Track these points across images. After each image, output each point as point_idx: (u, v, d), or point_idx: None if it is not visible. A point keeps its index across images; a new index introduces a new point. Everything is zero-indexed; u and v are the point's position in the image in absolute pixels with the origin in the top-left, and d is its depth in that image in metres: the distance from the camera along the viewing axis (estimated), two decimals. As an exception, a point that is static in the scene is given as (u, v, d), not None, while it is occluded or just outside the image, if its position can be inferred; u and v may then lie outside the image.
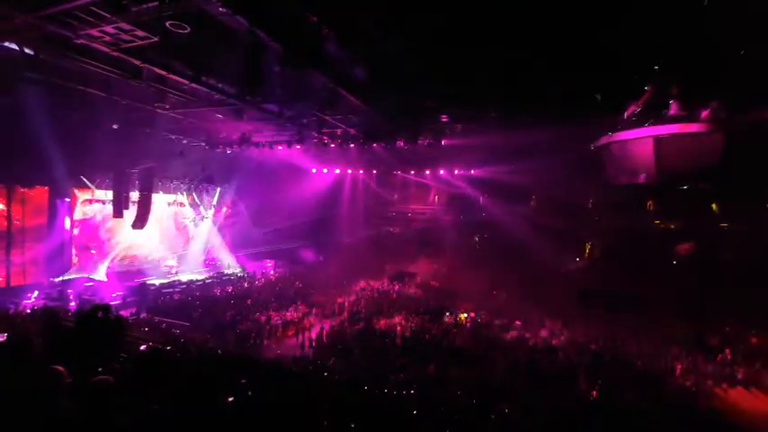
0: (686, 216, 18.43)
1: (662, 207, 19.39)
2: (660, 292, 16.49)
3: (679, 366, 11.45)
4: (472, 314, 16.49)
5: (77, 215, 18.75)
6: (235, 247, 26.88)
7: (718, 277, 15.79)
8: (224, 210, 26.94)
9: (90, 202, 19.23)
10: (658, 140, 11.12)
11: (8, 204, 16.07)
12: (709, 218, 17.88)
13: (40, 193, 17.15)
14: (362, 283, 21.72)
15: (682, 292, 16.02)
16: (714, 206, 17.92)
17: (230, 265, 25.94)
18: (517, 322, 15.53)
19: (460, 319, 16.14)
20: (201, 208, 25.33)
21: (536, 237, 20.88)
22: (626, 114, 11.56)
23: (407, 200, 28.82)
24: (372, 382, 8.48)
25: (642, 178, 12.18)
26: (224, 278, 22.92)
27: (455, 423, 6.30)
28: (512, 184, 22.20)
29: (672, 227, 19.66)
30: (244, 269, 25.23)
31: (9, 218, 16.05)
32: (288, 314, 16.02)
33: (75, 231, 18.65)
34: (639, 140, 11.58)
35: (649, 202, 19.70)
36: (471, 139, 16.75)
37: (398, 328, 14.51)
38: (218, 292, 19.42)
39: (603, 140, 12.89)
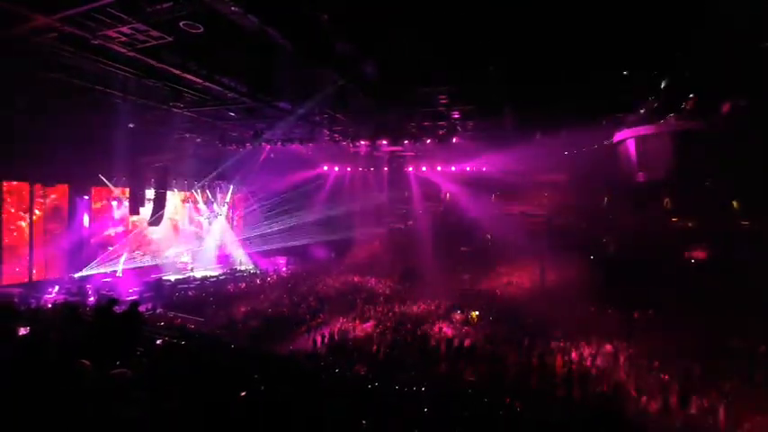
0: (705, 214, 17.95)
1: (679, 204, 18.92)
2: (677, 292, 16.12)
3: (697, 369, 11.14)
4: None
5: (96, 212, 19.22)
6: (248, 243, 27.20)
7: (737, 277, 15.35)
8: (239, 211, 27.32)
9: (108, 199, 19.72)
10: (676, 136, 10.89)
11: (30, 202, 16.56)
12: (728, 216, 17.38)
13: (60, 191, 17.64)
14: (373, 281, 21.79)
15: (700, 292, 15.62)
16: (735, 203, 17.41)
17: (242, 261, 26.27)
18: (529, 320, 15.39)
19: (472, 317, 16.05)
20: (215, 205, 25.68)
21: (548, 236, 20.62)
22: (642, 110, 11.32)
23: (420, 197, 28.64)
24: (384, 380, 8.51)
25: (659, 175, 11.94)
26: (237, 275, 23.25)
27: (466, 421, 6.28)
28: (524, 181, 21.96)
29: (689, 225, 19.17)
30: (257, 266, 25.53)
31: (31, 215, 16.55)
32: (300, 310, 16.18)
33: (94, 228, 19.12)
34: (656, 136, 11.36)
35: (666, 200, 19.25)
36: (482, 136, 16.63)
37: (409, 326, 14.53)
38: (231, 288, 19.71)
39: (619, 136, 12.66)
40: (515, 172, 21.16)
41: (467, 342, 12.77)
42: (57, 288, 16.48)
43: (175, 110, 13.19)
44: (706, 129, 10.48)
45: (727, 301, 14.19)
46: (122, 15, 7.15)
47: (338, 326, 14.66)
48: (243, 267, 25.34)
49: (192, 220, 24.82)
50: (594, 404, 9.11)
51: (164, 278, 20.34)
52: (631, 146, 12.44)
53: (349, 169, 26.20)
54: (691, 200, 17.45)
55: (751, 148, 10.40)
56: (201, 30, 7.72)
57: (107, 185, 19.29)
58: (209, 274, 22.86)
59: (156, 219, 19.63)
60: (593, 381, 10.41)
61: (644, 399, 9.25)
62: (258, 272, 24.16)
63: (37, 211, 16.68)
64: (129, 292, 17.23)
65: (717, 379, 10.14)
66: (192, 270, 23.22)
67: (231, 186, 25.96)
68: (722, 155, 10.79)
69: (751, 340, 12.35)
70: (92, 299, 15.95)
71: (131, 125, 15.16)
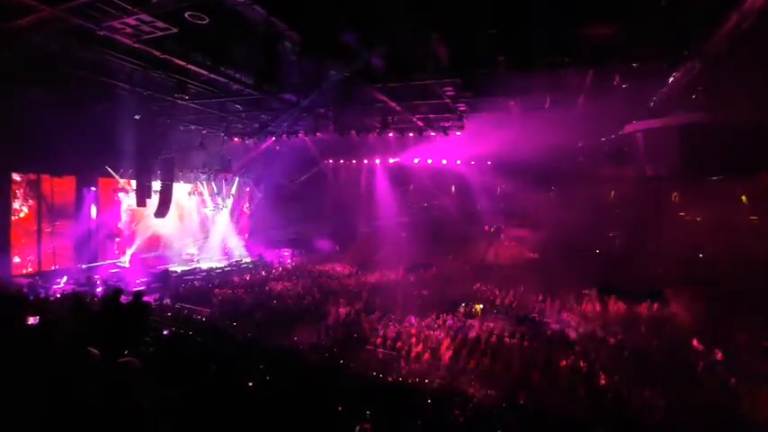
0: (713, 209, 17.75)
1: (688, 199, 18.72)
2: (683, 287, 16.00)
3: (702, 363, 11.11)
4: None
5: (103, 204, 19.38)
6: (252, 236, 27.30)
7: (745, 273, 15.19)
8: (244, 204, 27.39)
9: (116, 191, 19.88)
10: (685, 129, 10.73)
11: (38, 193, 16.72)
12: (737, 211, 17.16)
13: (67, 183, 17.77)
14: (378, 274, 21.82)
15: (706, 287, 15.50)
16: (744, 198, 17.19)
17: (242, 255, 26.30)
18: (533, 315, 15.38)
19: (476, 310, 16.04)
20: (220, 198, 25.78)
21: (555, 228, 20.49)
22: (652, 103, 11.15)
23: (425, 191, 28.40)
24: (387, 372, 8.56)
25: (668, 168, 11.80)
26: (242, 266, 23.40)
27: (469, 412, 6.32)
28: (530, 173, 21.77)
29: (698, 219, 18.99)
30: (262, 257, 25.65)
31: (39, 206, 16.73)
32: (305, 302, 16.26)
33: (101, 219, 19.29)
34: (666, 129, 11.20)
35: (674, 194, 19.04)
36: (489, 129, 16.50)
37: (412, 318, 14.56)
38: (236, 279, 19.85)
39: (629, 129, 12.51)
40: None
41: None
42: (65, 278, 16.69)
43: (181, 102, 13.19)
44: (716, 122, 10.31)
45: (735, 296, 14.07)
46: (128, 6, 7.13)
47: (342, 317, 14.73)
48: (248, 259, 25.48)
49: (198, 212, 24.96)
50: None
51: (171, 269, 20.52)
52: (641, 139, 12.30)
53: (354, 161, 26.08)
54: (699, 195, 17.22)
55: (761, 142, 10.22)
56: (207, 21, 7.69)
57: (114, 177, 19.42)
58: (215, 265, 23.02)
59: (162, 210, 19.76)
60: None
61: None
62: (263, 263, 24.28)
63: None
64: (137, 283, 17.41)
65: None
66: (198, 261, 23.41)
67: (237, 179, 26.02)
68: (732, 149, 10.61)
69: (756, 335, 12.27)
70: (100, 289, 16.14)
71: (137, 116, 15.21)
